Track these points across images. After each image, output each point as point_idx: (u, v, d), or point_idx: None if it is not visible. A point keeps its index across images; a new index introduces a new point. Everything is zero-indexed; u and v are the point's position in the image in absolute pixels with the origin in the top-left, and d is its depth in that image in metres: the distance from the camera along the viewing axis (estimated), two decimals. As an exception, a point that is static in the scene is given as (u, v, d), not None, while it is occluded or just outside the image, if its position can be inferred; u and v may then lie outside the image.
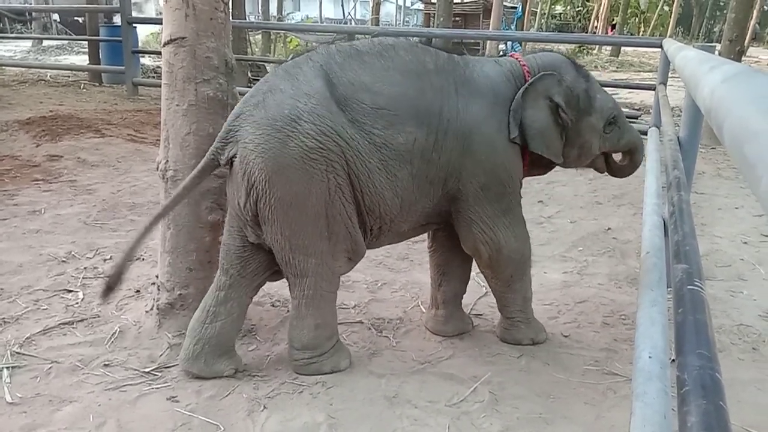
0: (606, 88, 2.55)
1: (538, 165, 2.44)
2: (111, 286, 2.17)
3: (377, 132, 2.06)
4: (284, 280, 2.29)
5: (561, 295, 3.03)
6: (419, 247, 3.55)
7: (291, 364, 2.27)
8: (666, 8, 30.12)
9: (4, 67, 10.48)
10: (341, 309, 2.80)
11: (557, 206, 4.42)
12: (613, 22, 24.41)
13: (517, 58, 2.39)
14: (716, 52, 3.85)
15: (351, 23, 22.77)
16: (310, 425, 1.99)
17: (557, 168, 2.55)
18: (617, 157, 2.66)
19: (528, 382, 2.27)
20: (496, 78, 2.29)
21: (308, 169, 2.00)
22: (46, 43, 17.36)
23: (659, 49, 5.05)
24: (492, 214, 2.27)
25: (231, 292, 2.23)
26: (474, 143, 2.18)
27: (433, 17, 12.88)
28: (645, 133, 5.06)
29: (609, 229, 3.95)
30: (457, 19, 18.11)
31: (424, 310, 2.81)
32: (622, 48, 19.18)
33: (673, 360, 0.73)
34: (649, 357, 1.06)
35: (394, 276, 3.18)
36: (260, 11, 21.01)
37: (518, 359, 2.43)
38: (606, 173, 2.68)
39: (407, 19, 32.37)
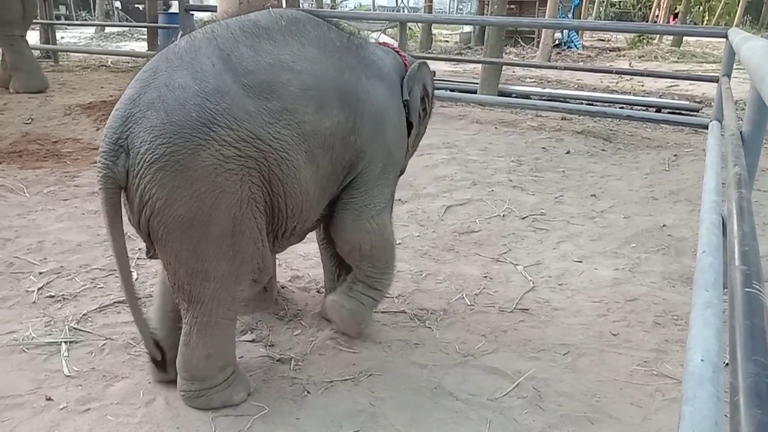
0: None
1: None
2: (157, 359, 2.01)
3: (308, 118, 1.84)
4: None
5: (611, 292, 2.95)
6: (465, 239, 3.53)
7: (179, 394, 2.03)
8: (733, -4, 28.74)
9: (68, 53, 10.89)
10: (386, 298, 2.81)
11: (611, 201, 4.30)
12: (676, 11, 23.45)
13: (389, 46, 2.38)
14: (786, 43, 3.65)
15: (404, 11, 22.65)
16: (351, 411, 2.01)
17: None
18: None
19: (573, 379, 2.23)
20: (387, 62, 2.24)
21: (221, 182, 1.70)
22: (108, 29, 17.98)
23: (724, 40, 4.84)
24: (383, 199, 2.19)
25: None
26: (383, 125, 2.11)
27: (488, 5, 12.69)
28: (706, 127, 4.87)
29: (664, 225, 3.82)
30: (512, 6, 17.77)
31: (468, 302, 2.79)
32: (684, 38, 18.43)
33: (727, 364, 0.70)
34: (702, 360, 1.02)
35: (439, 267, 3.16)
36: (314, -1, 21.17)
37: (564, 356, 2.38)
38: None
39: (461, 6, 32.01)
